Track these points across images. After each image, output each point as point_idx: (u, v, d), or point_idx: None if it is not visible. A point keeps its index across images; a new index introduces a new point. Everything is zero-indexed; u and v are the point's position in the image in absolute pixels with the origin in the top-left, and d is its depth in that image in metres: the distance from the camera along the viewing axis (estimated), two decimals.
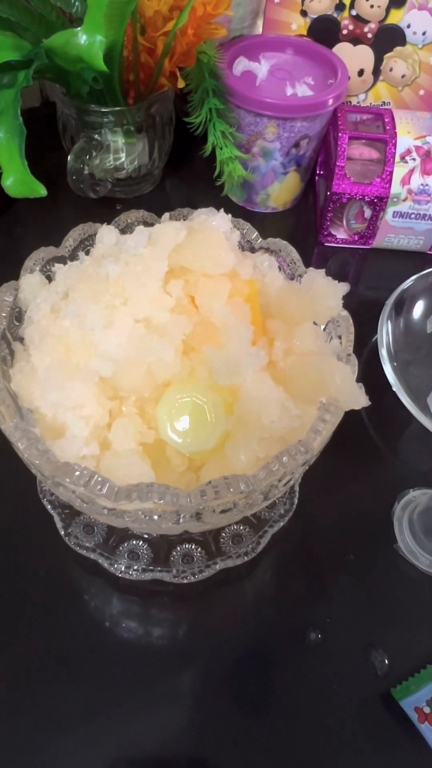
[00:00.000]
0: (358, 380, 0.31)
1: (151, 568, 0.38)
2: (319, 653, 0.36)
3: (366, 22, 0.60)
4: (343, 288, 0.34)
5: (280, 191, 0.61)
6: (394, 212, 0.56)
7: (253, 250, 0.39)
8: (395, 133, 0.55)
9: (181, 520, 0.28)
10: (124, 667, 0.36)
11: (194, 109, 0.54)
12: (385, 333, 0.48)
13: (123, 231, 0.38)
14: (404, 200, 0.55)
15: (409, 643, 0.37)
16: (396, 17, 0.59)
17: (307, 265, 0.38)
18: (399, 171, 0.55)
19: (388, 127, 0.56)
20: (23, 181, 0.44)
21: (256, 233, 0.39)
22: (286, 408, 0.30)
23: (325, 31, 0.60)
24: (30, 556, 0.39)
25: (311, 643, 0.37)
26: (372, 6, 0.58)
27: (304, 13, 0.60)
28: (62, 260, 0.37)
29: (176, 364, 0.31)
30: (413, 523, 0.41)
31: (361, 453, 0.46)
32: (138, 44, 0.50)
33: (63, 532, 0.39)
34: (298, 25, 0.61)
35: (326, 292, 0.34)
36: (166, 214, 0.38)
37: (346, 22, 0.60)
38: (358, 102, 0.65)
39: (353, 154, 0.56)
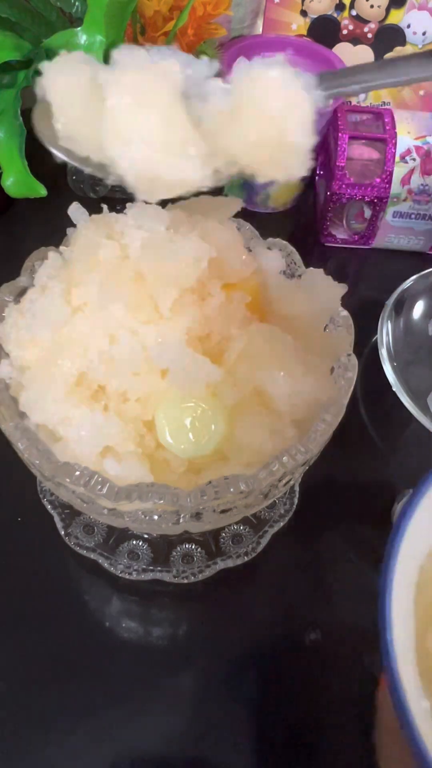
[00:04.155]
0: (358, 380, 0.31)
1: (151, 568, 0.38)
2: (319, 653, 0.36)
3: (366, 22, 0.59)
4: (343, 288, 0.34)
5: (280, 191, 0.61)
6: (394, 212, 0.56)
7: None
8: (395, 133, 0.55)
9: (181, 520, 0.28)
10: (124, 667, 0.35)
11: None
12: (385, 333, 0.48)
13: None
14: (404, 200, 0.55)
15: None
16: (396, 17, 0.59)
17: (307, 265, 0.38)
18: (399, 171, 0.55)
19: (388, 127, 0.56)
20: (23, 181, 0.44)
21: (257, 233, 0.39)
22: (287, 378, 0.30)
23: (325, 31, 0.60)
24: (30, 556, 0.39)
25: (311, 643, 0.37)
26: (372, 6, 0.58)
27: (304, 13, 0.60)
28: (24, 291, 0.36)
29: None
30: None
31: (361, 453, 0.46)
32: (138, 44, 0.50)
33: (63, 532, 0.39)
34: (298, 25, 0.60)
35: (326, 292, 0.34)
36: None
37: (346, 22, 0.60)
38: (358, 102, 0.65)
39: (353, 154, 0.56)
